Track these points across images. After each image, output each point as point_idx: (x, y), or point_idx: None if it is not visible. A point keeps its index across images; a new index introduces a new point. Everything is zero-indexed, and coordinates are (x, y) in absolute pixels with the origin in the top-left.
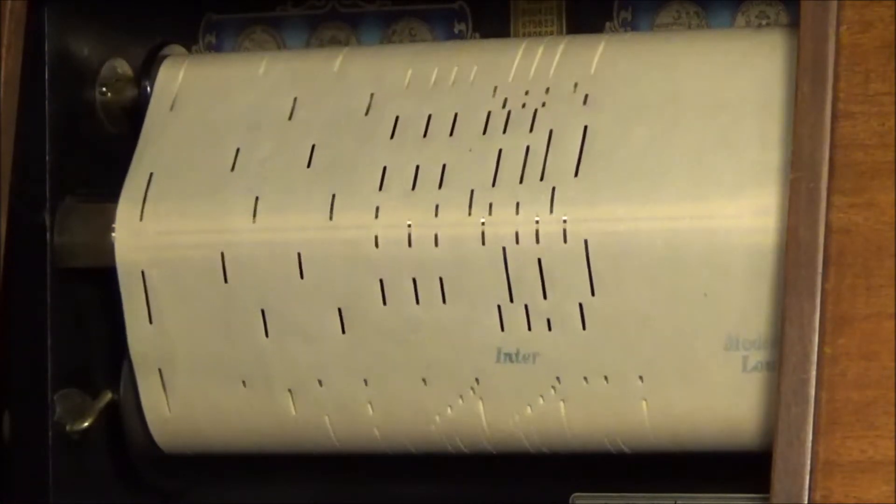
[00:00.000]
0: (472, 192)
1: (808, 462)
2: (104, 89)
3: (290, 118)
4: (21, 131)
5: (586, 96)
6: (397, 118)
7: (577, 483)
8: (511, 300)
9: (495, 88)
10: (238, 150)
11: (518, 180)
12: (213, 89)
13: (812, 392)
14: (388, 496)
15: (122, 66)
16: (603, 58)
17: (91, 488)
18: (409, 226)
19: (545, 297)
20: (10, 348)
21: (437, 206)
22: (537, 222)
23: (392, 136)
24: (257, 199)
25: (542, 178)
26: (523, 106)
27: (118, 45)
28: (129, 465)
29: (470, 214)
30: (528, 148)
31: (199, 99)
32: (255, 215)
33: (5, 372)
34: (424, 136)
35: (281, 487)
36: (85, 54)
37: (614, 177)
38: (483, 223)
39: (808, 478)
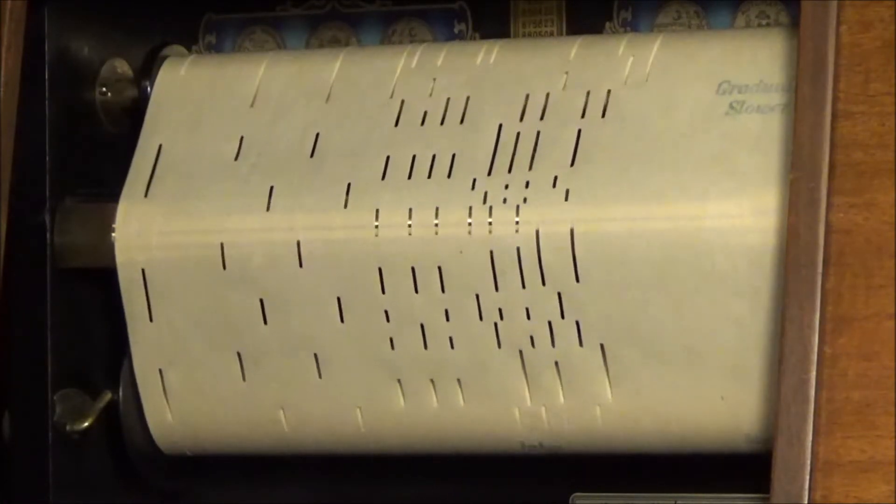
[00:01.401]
0: (478, 296)
1: (808, 462)
2: (104, 89)
3: (267, 209)
4: (21, 131)
5: (567, 191)
6: (377, 211)
7: (577, 483)
8: (529, 402)
9: (474, 181)
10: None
11: (521, 286)
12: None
13: (812, 392)
14: (388, 496)
15: (122, 66)
16: (582, 150)
17: (91, 488)
18: (422, 326)
19: (563, 399)
20: (10, 348)
21: (446, 311)
22: (550, 323)
23: (376, 235)
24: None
25: (543, 284)
26: (504, 201)
27: (118, 45)
28: (129, 465)
29: (482, 318)
30: (518, 249)
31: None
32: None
33: (5, 372)
34: (409, 235)
35: (281, 487)
36: (85, 54)
37: (617, 281)
38: (496, 324)
39: (808, 478)
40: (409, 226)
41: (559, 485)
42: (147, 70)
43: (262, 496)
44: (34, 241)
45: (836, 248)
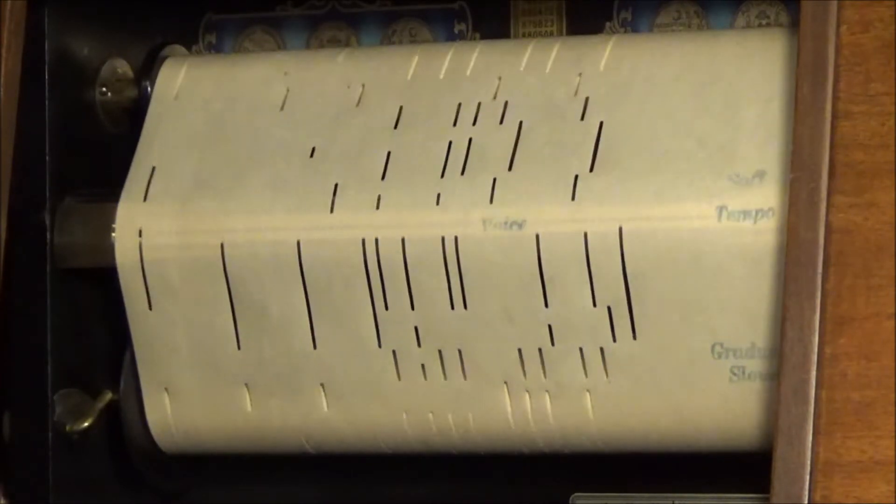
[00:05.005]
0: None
1: (808, 462)
2: (104, 89)
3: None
4: (21, 131)
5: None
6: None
7: (577, 483)
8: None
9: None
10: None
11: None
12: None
13: (812, 392)
14: (388, 496)
15: (122, 66)
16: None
17: (91, 488)
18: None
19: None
20: (10, 348)
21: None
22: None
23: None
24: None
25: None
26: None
27: (118, 45)
28: (129, 465)
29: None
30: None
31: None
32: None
33: (5, 372)
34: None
35: (281, 487)
36: (85, 54)
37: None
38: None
39: (808, 478)
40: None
41: (559, 485)
42: (147, 70)
43: (262, 496)
44: (34, 241)
45: (836, 248)
